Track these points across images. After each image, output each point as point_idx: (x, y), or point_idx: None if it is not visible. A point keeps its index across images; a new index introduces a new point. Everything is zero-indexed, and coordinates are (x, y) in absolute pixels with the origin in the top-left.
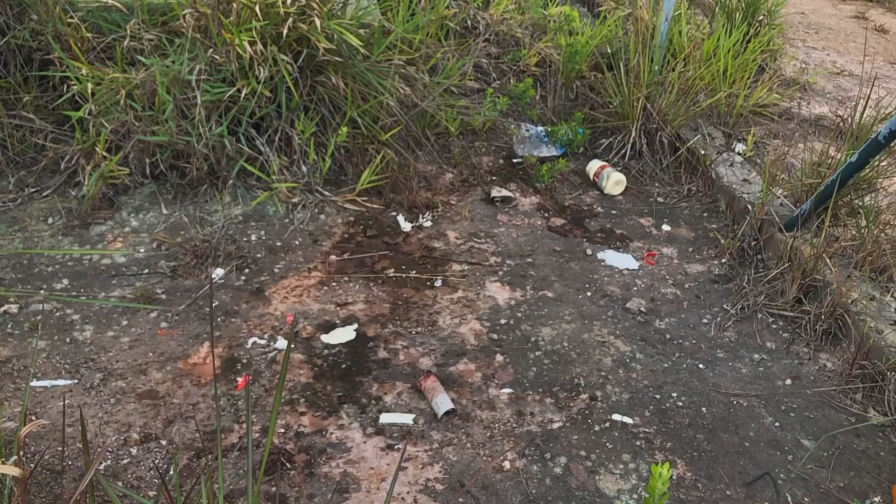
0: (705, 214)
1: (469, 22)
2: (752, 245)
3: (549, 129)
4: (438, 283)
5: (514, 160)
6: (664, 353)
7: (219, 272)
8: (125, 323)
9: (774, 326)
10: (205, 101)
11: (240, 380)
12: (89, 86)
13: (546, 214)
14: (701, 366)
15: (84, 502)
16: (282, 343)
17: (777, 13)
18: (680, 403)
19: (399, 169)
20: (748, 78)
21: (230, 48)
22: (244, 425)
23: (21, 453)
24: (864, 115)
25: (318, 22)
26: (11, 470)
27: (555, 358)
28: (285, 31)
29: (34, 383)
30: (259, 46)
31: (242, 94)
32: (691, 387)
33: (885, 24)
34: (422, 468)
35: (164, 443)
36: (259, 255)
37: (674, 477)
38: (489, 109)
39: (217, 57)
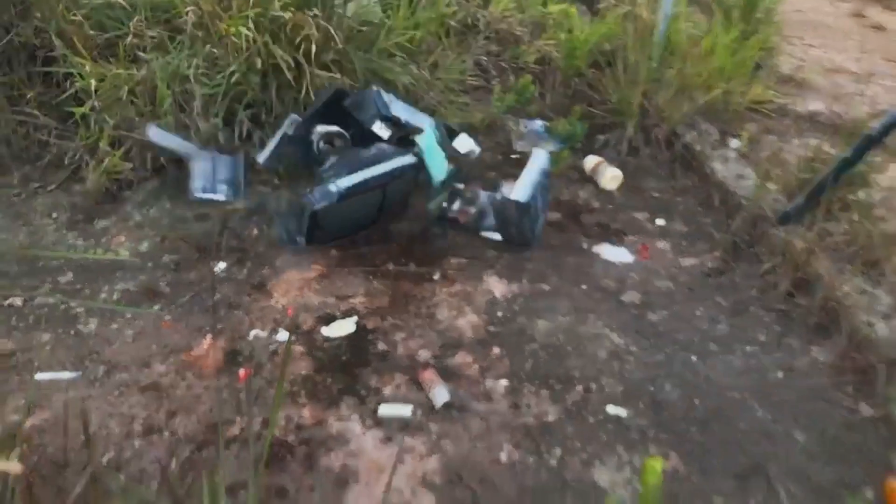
0: (700, 209)
1: (469, 20)
2: (745, 239)
3: (549, 124)
4: (437, 276)
5: (513, 156)
6: (658, 346)
7: (221, 266)
8: (129, 316)
9: (767, 320)
10: (203, 95)
11: (241, 372)
12: (92, 82)
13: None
14: (694, 358)
15: (87, 494)
16: (283, 336)
17: (775, 11)
18: (673, 396)
19: None
20: (745, 75)
21: (228, 39)
22: (246, 417)
23: (25, 446)
24: (860, 112)
25: (314, 24)
26: (11, 467)
27: (550, 350)
28: (285, 24)
29: (38, 376)
30: (254, 35)
31: (241, 87)
32: (684, 379)
33: (883, 21)
34: (420, 460)
35: (166, 435)
36: (261, 249)
37: (667, 469)
38: (498, 107)
39: (215, 50)
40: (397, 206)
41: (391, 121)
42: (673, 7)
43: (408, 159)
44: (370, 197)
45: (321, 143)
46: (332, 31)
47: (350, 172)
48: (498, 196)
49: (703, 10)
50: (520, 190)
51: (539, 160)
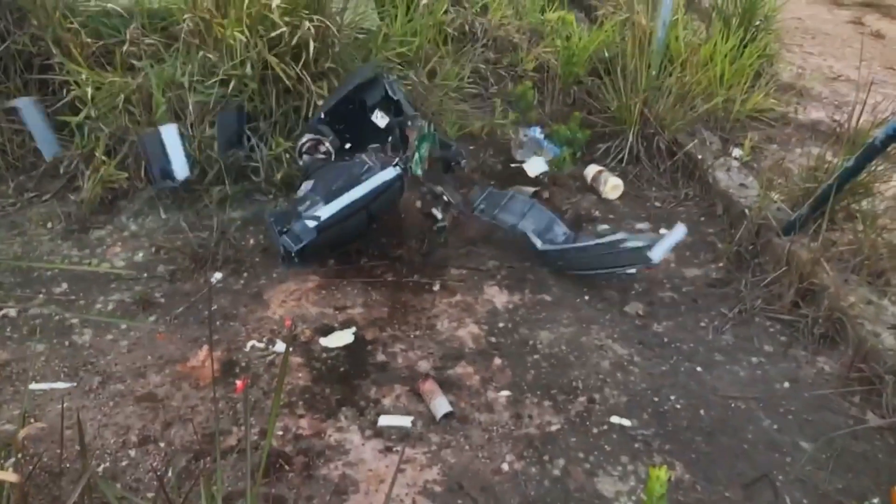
0: (702, 219)
1: (467, 27)
2: (749, 249)
3: (550, 130)
4: (437, 287)
5: (512, 164)
6: (662, 357)
7: (217, 276)
8: (124, 326)
9: (772, 330)
10: (198, 102)
11: (238, 383)
12: (89, 90)
13: None
14: (699, 369)
15: None
16: (280, 347)
17: (774, 18)
18: (678, 406)
19: None
20: (745, 83)
21: (223, 43)
22: (243, 428)
23: (20, 455)
24: (861, 120)
25: (312, 29)
26: (8, 476)
27: (553, 361)
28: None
29: (33, 386)
30: (248, 39)
31: (238, 97)
32: (689, 389)
33: (882, 29)
34: (420, 470)
35: (162, 445)
36: (257, 259)
37: (672, 479)
38: (499, 119)
39: (210, 56)
40: (386, 214)
41: (390, 108)
42: (671, 14)
43: (389, 174)
44: (354, 219)
45: (303, 151)
46: (330, 38)
47: (328, 199)
48: (629, 241)
49: (702, 17)
50: (657, 252)
51: (679, 232)
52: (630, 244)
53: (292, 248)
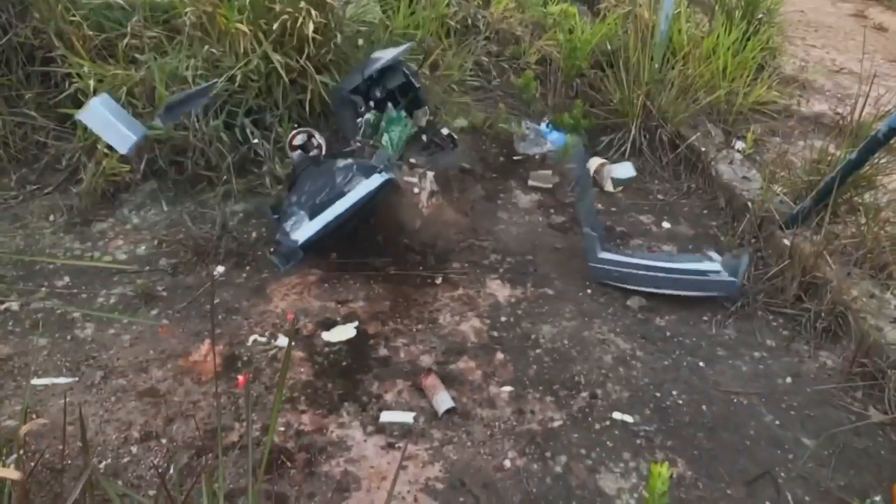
0: (705, 212)
1: (470, 20)
2: (751, 243)
3: (553, 118)
4: (439, 280)
5: (515, 157)
6: (664, 351)
7: (220, 269)
8: (126, 321)
9: (774, 324)
10: None
11: (240, 378)
12: (91, 82)
13: (546, 212)
14: (701, 363)
15: (83, 501)
16: (282, 341)
17: (776, 11)
18: (680, 401)
19: None
20: (748, 76)
21: (227, 37)
22: (244, 423)
23: (21, 451)
24: (864, 113)
25: (311, 25)
26: (10, 473)
27: (555, 356)
28: (279, 26)
29: (35, 381)
30: (249, 30)
31: (241, 95)
32: (691, 385)
33: (884, 21)
34: (422, 467)
35: (164, 441)
36: (259, 253)
37: (674, 476)
38: (503, 120)
39: (214, 51)
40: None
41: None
42: (674, 7)
43: (374, 182)
44: (343, 225)
45: (293, 147)
46: (332, 31)
47: (313, 213)
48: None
49: (705, 10)
50: (738, 277)
51: (746, 259)
52: (723, 277)
53: (280, 269)
